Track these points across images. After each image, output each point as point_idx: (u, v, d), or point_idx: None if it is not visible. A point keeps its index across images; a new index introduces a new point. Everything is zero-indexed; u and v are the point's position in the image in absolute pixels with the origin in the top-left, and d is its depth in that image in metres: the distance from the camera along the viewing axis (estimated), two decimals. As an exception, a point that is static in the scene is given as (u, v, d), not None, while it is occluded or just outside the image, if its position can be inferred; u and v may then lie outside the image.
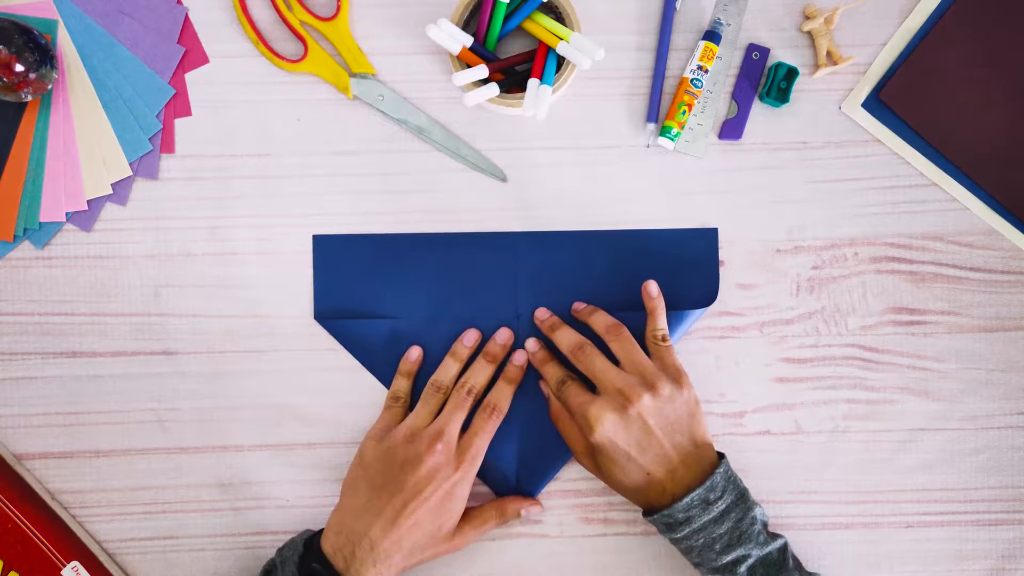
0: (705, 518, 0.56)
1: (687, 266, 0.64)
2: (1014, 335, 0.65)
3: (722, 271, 0.64)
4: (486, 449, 0.60)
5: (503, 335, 0.63)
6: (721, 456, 0.59)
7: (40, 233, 0.64)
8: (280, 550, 0.59)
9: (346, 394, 0.64)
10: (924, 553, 0.64)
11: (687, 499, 0.56)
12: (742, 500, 0.57)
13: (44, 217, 0.63)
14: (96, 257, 0.64)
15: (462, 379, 0.62)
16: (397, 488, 0.58)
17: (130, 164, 0.63)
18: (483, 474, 0.63)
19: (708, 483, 0.56)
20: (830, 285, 0.64)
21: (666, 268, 0.63)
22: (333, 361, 0.64)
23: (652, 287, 0.61)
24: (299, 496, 0.64)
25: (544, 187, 0.64)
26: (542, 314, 0.63)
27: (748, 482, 0.64)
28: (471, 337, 0.63)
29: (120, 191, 0.64)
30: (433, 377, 0.62)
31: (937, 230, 0.65)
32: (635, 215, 0.64)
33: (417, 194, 0.64)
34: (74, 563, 0.62)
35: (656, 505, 0.58)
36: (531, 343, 0.63)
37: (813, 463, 0.64)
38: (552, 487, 0.64)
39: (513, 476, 0.63)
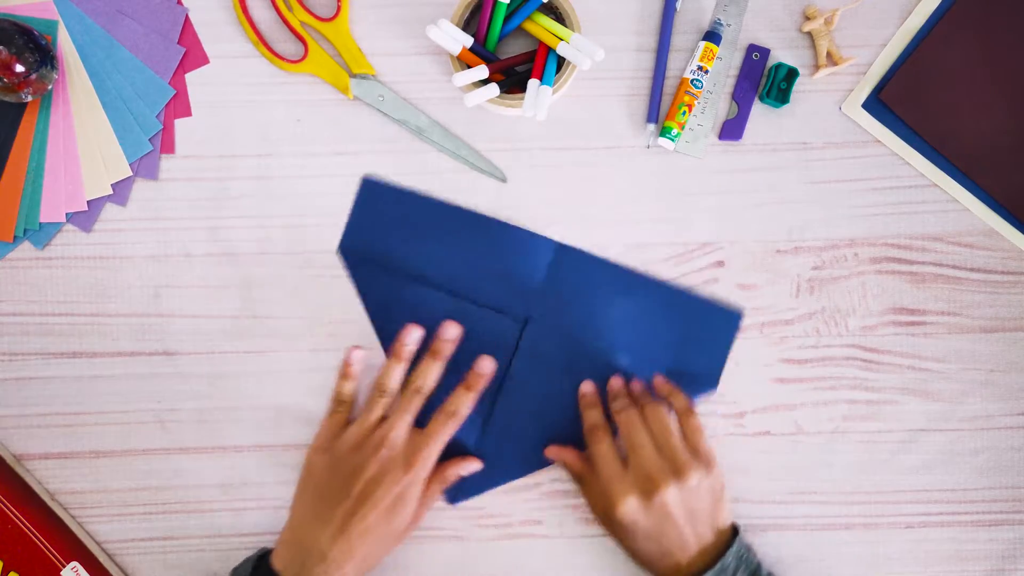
0: None
1: (699, 342, 0.63)
2: (1014, 335, 0.65)
3: (722, 271, 0.64)
4: (439, 452, 0.59)
5: (451, 330, 0.61)
6: (736, 531, 0.59)
7: (40, 233, 0.64)
8: (234, 570, 0.59)
9: (346, 394, 0.64)
10: (924, 554, 0.64)
11: None
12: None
13: (44, 217, 0.63)
14: (96, 257, 0.64)
15: (410, 379, 0.60)
16: (345, 496, 0.57)
17: (130, 164, 0.63)
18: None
19: (719, 564, 0.56)
20: (830, 286, 0.64)
21: (679, 335, 0.63)
22: (333, 361, 0.64)
23: (661, 383, 0.62)
24: (299, 496, 0.64)
25: (544, 187, 0.64)
26: (587, 387, 0.62)
27: (748, 482, 0.64)
28: (414, 336, 0.61)
29: (120, 191, 0.64)
30: (376, 380, 0.60)
31: (937, 230, 0.65)
32: (635, 216, 0.64)
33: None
34: (74, 563, 0.62)
35: None
36: (587, 385, 0.62)
37: (813, 463, 0.64)
38: (552, 487, 0.64)
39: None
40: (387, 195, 0.63)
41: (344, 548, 0.56)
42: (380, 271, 0.63)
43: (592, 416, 0.61)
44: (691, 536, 0.57)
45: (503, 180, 0.64)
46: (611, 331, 0.63)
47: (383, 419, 0.60)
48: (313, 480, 0.59)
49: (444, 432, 0.59)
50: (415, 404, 0.59)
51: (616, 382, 0.62)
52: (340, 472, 0.58)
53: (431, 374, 0.60)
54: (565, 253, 0.63)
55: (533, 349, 0.63)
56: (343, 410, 0.61)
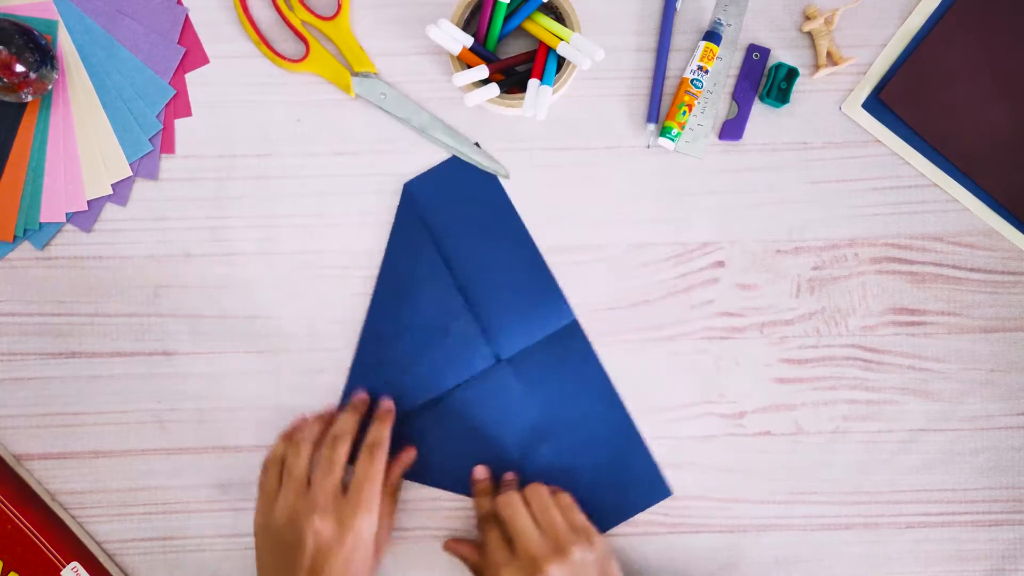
0: None
1: (618, 488, 0.64)
2: (1014, 335, 0.65)
3: (722, 272, 0.64)
4: (379, 490, 0.58)
5: (359, 395, 0.63)
6: None
7: (40, 233, 0.64)
8: None
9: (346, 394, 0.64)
10: (924, 554, 0.64)
11: None
12: None
13: (44, 217, 0.63)
14: (96, 257, 0.64)
15: (330, 431, 0.59)
16: (297, 571, 0.55)
17: (130, 164, 0.63)
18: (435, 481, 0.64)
19: None
20: (830, 286, 0.64)
21: (608, 470, 0.64)
22: (333, 361, 0.64)
23: (480, 472, 0.63)
24: (299, 496, 0.64)
25: (544, 187, 0.64)
26: (478, 474, 0.63)
27: (748, 482, 0.64)
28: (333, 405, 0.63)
29: (120, 191, 0.64)
30: (293, 439, 0.59)
31: (937, 230, 0.65)
32: (635, 216, 0.64)
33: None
34: (74, 563, 0.62)
35: None
36: (479, 471, 0.63)
37: (813, 463, 0.64)
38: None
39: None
40: (472, 174, 0.64)
41: None
42: (420, 227, 0.63)
43: (483, 504, 0.61)
44: None
45: (506, 176, 0.64)
46: (557, 422, 0.64)
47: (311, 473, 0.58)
48: (262, 560, 0.58)
49: (374, 470, 0.58)
50: (338, 453, 0.58)
51: (511, 478, 0.63)
52: (283, 551, 0.56)
53: (347, 423, 0.60)
54: (573, 332, 0.64)
55: (486, 386, 0.63)
56: (276, 470, 0.59)
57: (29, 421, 0.64)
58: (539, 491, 0.60)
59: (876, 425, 0.64)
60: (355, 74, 0.64)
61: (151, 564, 0.64)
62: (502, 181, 0.64)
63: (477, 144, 0.63)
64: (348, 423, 0.60)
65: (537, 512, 0.59)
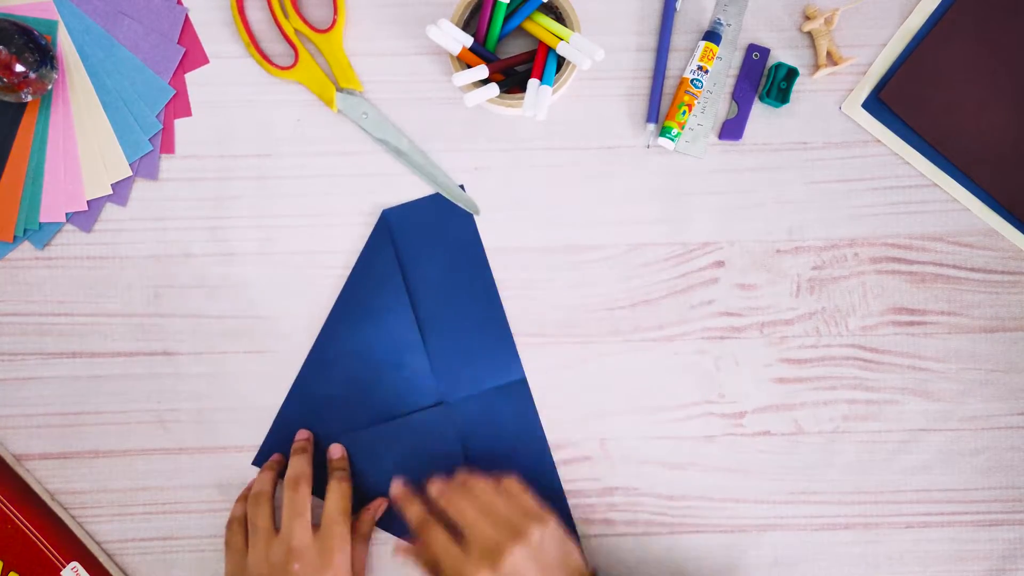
0: None
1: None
2: (1014, 335, 0.65)
3: (722, 271, 0.64)
4: (347, 523, 0.59)
5: (303, 433, 0.62)
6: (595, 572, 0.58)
7: (40, 233, 0.64)
8: None
9: (346, 394, 0.64)
10: (924, 554, 0.64)
11: None
12: None
13: (44, 217, 0.63)
14: (96, 257, 0.64)
15: (286, 476, 0.60)
16: None
17: (130, 164, 0.63)
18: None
19: None
20: (830, 285, 0.64)
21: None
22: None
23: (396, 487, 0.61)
24: (299, 496, 0.64)
25: (544, 187, 0.64)
26: (395, 490, 0.61)
27: (748, 482, 0.64)
28: (275, 457, 0.62)
29: (120, 191, 0.64)
30: (250, 493, 0.60)
31: (937, 230, 0.65)
32: (635, 216, 0.64)
33: (418, 194, 0.64)
34: (74, 563, 0.62)
35: None
36: (395, 487, 0.61)
37: (813, 463, 0.64)
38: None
39: None
40: (452, 213, 0.63)
41: None
42: (390, 256, 0.63)
43: (414, 512, 0.59)
44: None
45: (476, 213, 0.64)
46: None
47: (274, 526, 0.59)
48: None
49: (333, 502, 0.59)
50: (300, 495, 0.59)
51: (396, 487, 0.61)
52: None
53: (301, 464, 0.60)
54: (521, 390, 0.64)
55: (423, 423, 0.63)
56: (239, 531, 0.60)
57: (29, 421, 0.64)
58: (478, 483, 0.58)
59: (876, 425, 0.64)
60: (340, 90, 0.64)
61: (151, 564, 0.64)
62: (476, 220, 0.64)
63: (462, 187, 0.63)
64: (301, 465, 0.60)
65: (483, 503, 0.57)
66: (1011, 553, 0.64)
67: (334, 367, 0.63)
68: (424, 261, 0.63)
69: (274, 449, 0.63)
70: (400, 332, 0.63)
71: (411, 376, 0.63)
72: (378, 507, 0.63)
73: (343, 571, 0.57)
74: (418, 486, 0.61)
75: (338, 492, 0.60)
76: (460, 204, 0.63)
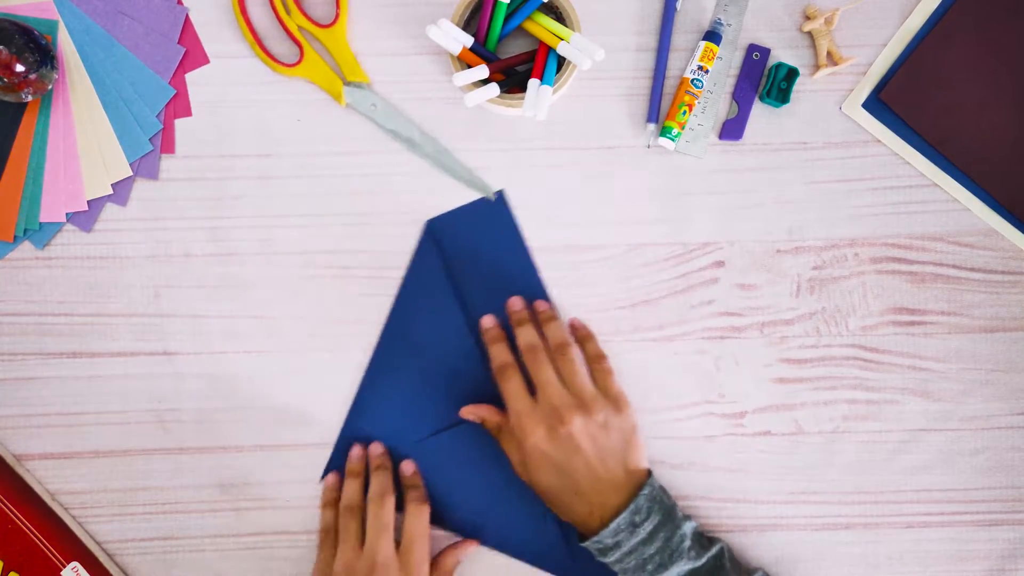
0: (634, 540, 0.56)
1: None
2: (1014, 335, 0.65)
3: (722, 271, 0.64)
4: (428, 545, 0.60)
5: (377, 448, 0.63)
6: (649, 474, 0.58)
7: (40, 233, 0.64)
8: None
9: (346, 394, 0.64)
10: (924, 553, 0.64)
11: (614, 524, 0.56)
12: (669, 519, 0.57)
13: (44, 217, 0.63)
14: (96, 257, 0.64)
15: (370, 492, 0.61)
16: None
17: (130, 164, 0.63)
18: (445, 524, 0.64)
19: (632, 506, 0.56)
20: (830, 285, 0.64)
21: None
22: (333, 361, 0.64)
23: (578, 325, 0.62)
24: (299, 496, 0.64)
25: (544, 187, 0.64)
26: (516, 304, 0.62)
27: (748, 482, 0.64)
28: (357, 453, 0.63)
29: (120, 191, 0.64)
30: (342, 503, 0.61)
31: (937, 230, 0.65)
32: (635, 216, 0.64)
33: (417, 194, 0.64)
34: (74, 563, 0.62)
35: (588, 530, 0.58)
36: (487, 319, 0.62)
37: (813, 463, 0.64)
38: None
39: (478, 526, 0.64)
40: (501, 216, 0.63)
41: None
42: (438, 267, 0.63)
43: (499, 353, 0.60)
44: (601, 471, 0.57)
45: (491, 198, 0.64)
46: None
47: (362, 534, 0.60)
48: None
49: (414, 525, 0.60)
50: (385, 511, 0.60)
51: (516, 303, 0.62)
52: None
53: (385, 481, 0.61)
54: None
55: (480, 428, 0.63)
56: (330, 539, 0.61)
57: (29, 421, 0.64)
58: (567, 351, 0.59)
59: (876, 425, 0.64)
60: (347, 83, 0.64)
61: (151, 564, 0.64)
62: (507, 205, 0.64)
63: (501, 192, 0.63)
64: (385, 482, 0.61)
65: (564, 370, 0.58)
66: (1011, 553, 0.64)
67: (393, 377, 0.63)
68: (471, 267, 0.63)
69: (342, 460, 0.63)
70: (454, 340, 0.63)
71: (468, 383, 0.63)
72: (465, 549, 0.63)
73: None
74: (479, 494, 0.63)
75: (417, 515, 0.60)
76: (475, 188, 0.63)
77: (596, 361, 0.60)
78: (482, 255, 0.64)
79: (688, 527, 0.58)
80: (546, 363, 0.59)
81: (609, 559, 0.57)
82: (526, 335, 0.60)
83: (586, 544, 0.57)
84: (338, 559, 0.59)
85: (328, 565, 0.60)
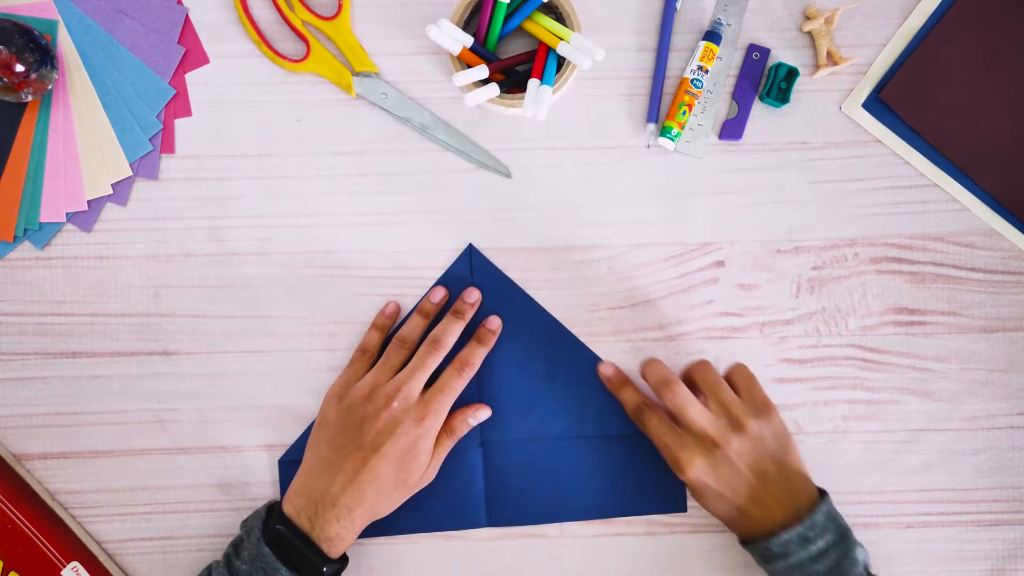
0: (802, 554, 0.55)
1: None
2: (1014, 335, 0.65)
3: (722, 271, 0.64)
4: (450, 404, 0.60)
5: (473, 295, 0.63)
6: (823, 494, 0.58)
7: (40, 233, 0.64)
8: (244, 522, 0.59)
9: (346, 394, 0.64)
10: (924, 553, 0.64)
11: (785, 535, 0.55)
12: (843, 540, 0.56)
13: (44, 217, 0.63)
14: (96, 257, 0.64)
15: (431, 334, 0.61)
16: (356, 446, 0.58)
17: (130, 164, 0.63)
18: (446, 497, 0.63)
19: (808, 521, 0.56)
20: (830, 285, 0.64)
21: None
22: (333, 361, 0.64)
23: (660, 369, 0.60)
24: (299, 496, 0.64)
25: (545, 187, 0.64)
26: (607, 370, 0.63)
27: (748, 482, 0.64)
28: (439, 294, 0.63)
29: (120, 191, 0.64)
30: (399, 332, 0.62)
31: (937, 230, 0.65)
32: (635, 216, 0.64)
33: (417, 194, 0.64)
34: (74, 563, 0.62)
35: (750, 536, 0.58)
36: (606, 367, 0.63)
37: (813, 463, 0.64)
38: (552, 487, 0.64)
39: (483, 506, 0.63)
40: (483, 269, 0.64)
41: (355, 495, 0.57)
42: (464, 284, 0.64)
43: (630, 396, 0.61)
44: (760, 485, 0.57)
45: (507, 176, 0.64)
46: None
47: (400, 370, 0.60)
48: (326, 428, 0.60)
49: (455, 384, 0.60)
50: (432, 359, 0.60)
51: (607, 368, 0.63)
52: (352, 421, 0.58)
53: (451, 331, 0.61)
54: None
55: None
56: (365, 359, 0.62)
57: (29, 421, 0.64)
58: (705, 367, 0.59)
59: (876, 425, 0.64)
60: (356, 74, 0.64)
61: (151, 564, 0.64)
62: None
63: (471, 245, 0.64)
64: (451, 329, 0.61)
65: (706, 392, 0.58)
66: (1011, 553, 0.64)
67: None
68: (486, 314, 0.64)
69: None
70: (536, 315, 0.64)
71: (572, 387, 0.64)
72: (475, 411, 0.62)
73: (428, 436, 0.59)
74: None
75: (457, 378, 0.60)
76: (491, 170, 0.63)
77: (735, 371, 0.60)
78: (486, 307, 0.64)
79: (861, 553, 0.57)
80: (687, 393, 0.58)
81: (771, 567, 0.57)
82: (654, 371, 0.60)
83: (749, 548, 0.58)
84: (367, 377, 0.60)
85: (353, 379, 0.61)
